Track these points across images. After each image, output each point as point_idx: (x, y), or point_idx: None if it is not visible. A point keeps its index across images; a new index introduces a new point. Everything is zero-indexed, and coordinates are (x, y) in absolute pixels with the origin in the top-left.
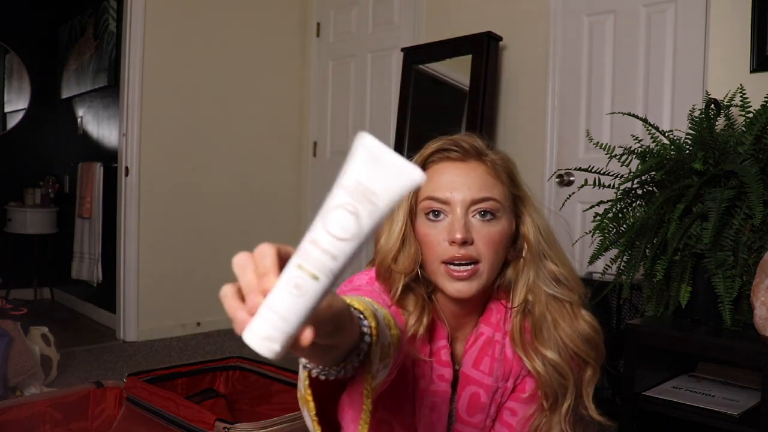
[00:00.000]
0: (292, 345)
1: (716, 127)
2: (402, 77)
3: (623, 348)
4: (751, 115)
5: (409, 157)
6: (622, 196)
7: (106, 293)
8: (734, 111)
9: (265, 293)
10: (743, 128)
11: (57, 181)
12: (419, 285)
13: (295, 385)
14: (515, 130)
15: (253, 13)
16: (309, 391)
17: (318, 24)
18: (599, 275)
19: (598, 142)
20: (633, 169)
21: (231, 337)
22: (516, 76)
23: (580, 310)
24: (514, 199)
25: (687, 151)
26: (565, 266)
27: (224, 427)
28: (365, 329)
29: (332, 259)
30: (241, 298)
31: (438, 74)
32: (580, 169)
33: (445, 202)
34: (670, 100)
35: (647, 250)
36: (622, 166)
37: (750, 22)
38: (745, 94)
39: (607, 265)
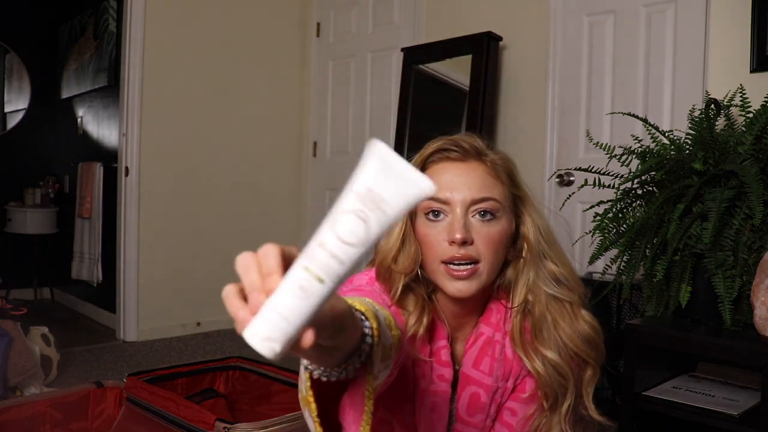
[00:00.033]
0: (293, 346)
1: (716, 127)
2: (402, 77)
3: (623, 348)
4: (751, 115)
5: (409, 157)
6: (622, 196)
7: (106, 293)
8: (734, 111)
9: (268, 293)
10: (743, 128)
11: (57, 181)
12: (419, 285)
13: (295, 386)
14: (515, 130)
15: (253, 13)
16: (311, 393)
17: (318, 24)
18: (599, 275)
19: (598, 142)
20: (633, 169)
21: (231, 337)
22: (516, 76)
23: (580, 310)
24: (514, 199)
25: (687, 151)
26: (565, 266)
27: (224, 427)
28: (367, 330)
29: (339, 263)
30: (243, 297)
31: (438, 74)
32: (580, 169)
33: (444, 202)
34: (670, 100)
35: (647, 250)
36: (622, 166)
37: (750, 22)
38: (745, 94)
39: (607, 265)
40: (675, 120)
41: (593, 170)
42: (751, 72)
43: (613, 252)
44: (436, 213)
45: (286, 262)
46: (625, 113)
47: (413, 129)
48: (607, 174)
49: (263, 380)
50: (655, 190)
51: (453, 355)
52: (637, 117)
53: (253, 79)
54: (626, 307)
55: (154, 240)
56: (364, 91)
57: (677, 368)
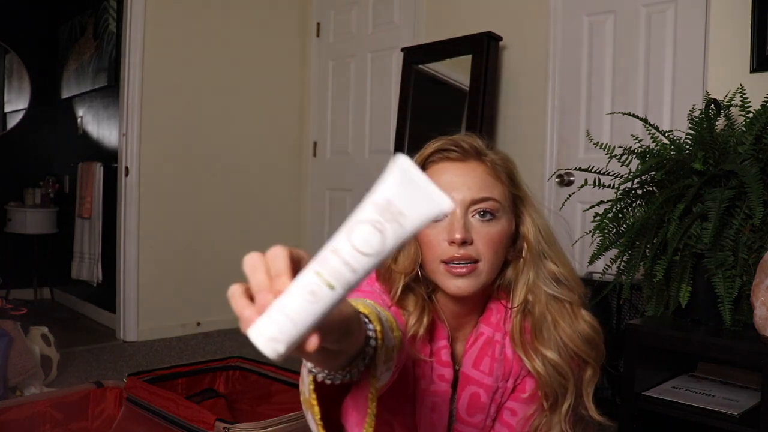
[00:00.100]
0: (298, 349)
1: (716, 127)
2: (402, 77)
3: (623, 348)
4: (751, 115)
5: (409, 157)
6: (622, 196)
7: (106, 293)
8: (734, 111)
9: (276, 294)
10: (743, 128)
11: (57, 181)
12: (419, 285)
13: (295, 386)
14: (515, 130)
15: (253, 13)
16: (314, 395)
17: (318, 24)
18: (599, 275)
19: (598, 142)
20: (633, 169)
21: (231, 337)
22: (516, 76)
23: (580, 310)
24: (514, 199)
25: (687, 151)
26: (565, 266)
27: (224, 427)
28: (370, 333)
29: (351, 271)
30: (249, 297)
31: (438, 74)
32: (580, 169)
33: None
34: (670, 100)
35: (647, 250)
36: (622, 166)
37: (750, 22)
38: (745, 94)
39: (607, 265)
40: (675, 120)
41: (593, 170)
42: (751, 72)
43: (613, 252)
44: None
45: (294, 265)
46: (625, 113)
47: (413, 129)
48: (607, 174)
49: (263, 380)
50: (655, 190)
51: (453, 355)
52: (637, 117)
53: (253, 79)
54: (626, 307)
55: (154, 240)
56: (364, 91)
57: (677, 368)
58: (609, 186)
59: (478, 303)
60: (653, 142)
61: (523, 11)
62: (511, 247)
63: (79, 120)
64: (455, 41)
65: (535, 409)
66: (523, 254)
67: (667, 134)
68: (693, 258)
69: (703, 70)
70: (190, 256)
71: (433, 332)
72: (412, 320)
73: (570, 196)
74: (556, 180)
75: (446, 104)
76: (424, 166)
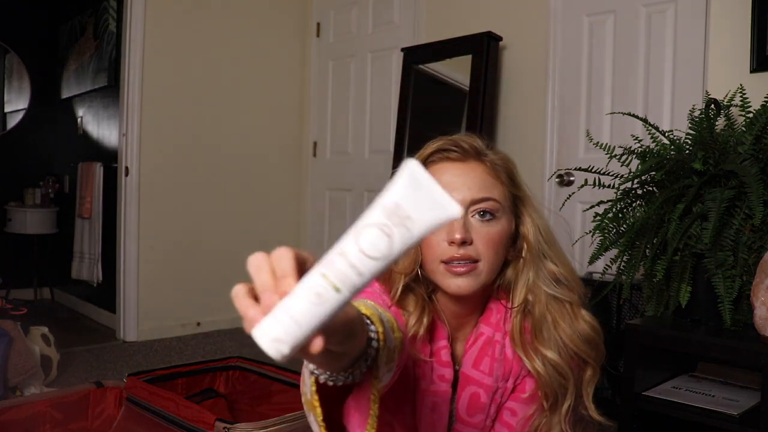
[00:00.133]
0: (301, 350)
1: (716, 127)
2: (402, 77)
3: (623, 348)
4: (751, 115)
5: (409, 157)
6: (622, 196)
7: (106, 293)
8: (734, 111)
9: (282, 295)
10: (743, 128)
11: (57, 181)
12: (419, 285)
13: (295, 386)
14: (515, 130)
15: (253, 13)
16: (316, 397)
17: (318, 24)
18: (599, 275)
19: (598, 142)
20: (633, 169)
21: (231, 337)
22: (516, 76)
23: (580, 310)
24: (514, 200)
25: (687, 151)
26: (565, 266)
27: (224, 427)
28: (372, 334)
29: (358, 274)
30: (253, 297)
31: (438, 74)
32: (580, 169)
33: None
34: (670, 100)
35: (647, 250)
36: (622, 166)
37: (750, 22)
38: (745, 94)
39: (607, 265)
40: (675, 120)
41: (593, 170)
42: (751, 72)
43: (613, 252)
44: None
45: (300, 266)
46: (625, 113)
47: (413, 129)
48: (607, 174)
49: (263, 380)
50: (655, 190)
51: (453, 355)
52: (637, 117)
53: (253, 79)
54: (626, 307)
55: (154, 240)
56: (364, 91)
57: (677, 368)
58: (609, 186)
59: (478, 303)
60: (653, 142)
61: (523, 11)
62: (511, 247)
63: (79, 120)
64: (455, 41)
65: (535, 409)
66: (523, 254)
67: (667, 134)
68: (693, 258)
69: (703, 70)
70: (190, 256)
71: (433, 332)
72: (412, 320)
73: (570, 196)
74: (556, 180)
75: (446, 104)
76: (423, 166)
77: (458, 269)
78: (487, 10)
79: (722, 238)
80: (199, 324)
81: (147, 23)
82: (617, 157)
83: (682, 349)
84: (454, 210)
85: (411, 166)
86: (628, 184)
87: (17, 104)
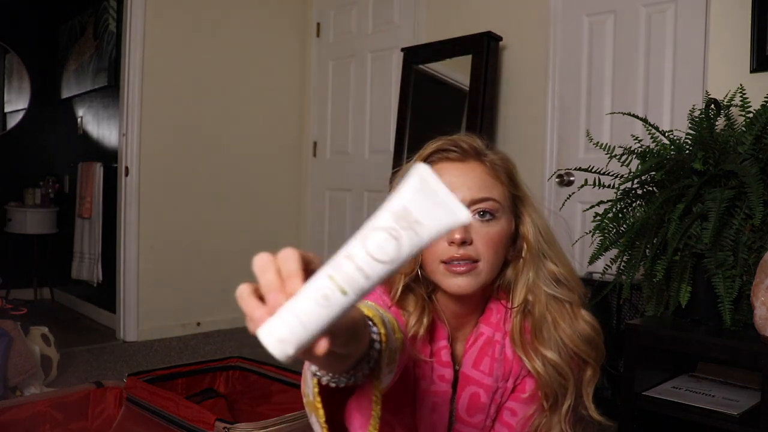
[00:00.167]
0: (306, 352)
1: (716, 127)
2: (402, 77)
3: (623, 348)
4: (751, 115)
5: (409, 157)
6: (622, 196)
7: (106, 293)
8: (734, 111)
9: (288, 296)
10: (743, 128)
11: (57, 181)
12: (419, 285)
13: (295, 386)
14: (515, 130)
15: (253, 13)
16: (319, 399)
17: (318, 24)
18: (599, 275)
19: (598, 142)
20: (633, 169)
21: (231, 337)
22: (516, 76)
23: (580, 310)
24: (514, 200)
25: (687, 151)
26: (565, 266)
27: (224, 427)
28: (375, 336)
29: (365, 277)
30: (258, 297)
31: (438, 74)
32: (580, 169)
33: None
34: (670, 100)
35: (647, 250)
36: (622, 166)
37: (750, 22)
38: (745, 94)
39: (607, 265)
40: (675, 120)
41: (593, 170)
42: (751, 72)
43: (613, 252)
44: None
45: (305, 267)
46: (625, 113)
47: (413, 129)
48: (607, 174)
49: (263, 380)
50: (655, 190)
51: (453, 355)
52: (637, 117)
53: (253, 79)
54: (626, 307)
55: (154, 240)
56: (364, 91)
57: (677, 368)
58: (609, 186)
59: (478, 303)
60: (653, 142)
61: (523, 11)
62: (510, 247)
63: (79, 120)
64: (455, 41)
65: (535, 410)
66: (523, 254)
67: (667, 134)
68: (693, 258)
69: (703, 70)
70: (190, 256)
71: (434, 332)
72: (412, 320)
73: (570, 196)
74: (556, 180)
75: (446, 104)
76: None
77: (458, 268)
78: (487, 10)
79: (722, 238)
80: (199, 324)
81: (147, 23)
82: (617, 157)
83: (682, 349)
84: (464, 215)
85: (421, 170)
86: (628, 184)
87: (17, 104)
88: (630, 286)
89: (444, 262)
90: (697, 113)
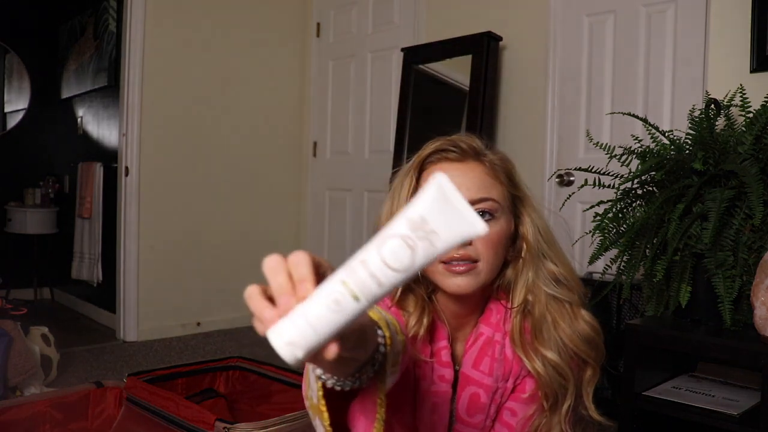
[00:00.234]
0: (315, 356)
1: (716, 127)
2: (402, 77)
3: (623, 348)
4: (751, 115)
5: (409, 158)
6: (622, 196)
7: (106, 293)
8: (734, 111)
9: (300, 299)
10: (743, 128)
11: (57, 181)
12: (419, 285)
13: (295, 386)
14: (515, 130)
15: (253, 13)
16: (323, 402)
17: (318, 24)
18: (599, 275)
19: (598, 142)
20: (633, 169)
21: (231, 337)
22: (516, 76)
23: (580, 310)
24: (513, 200)
25: (687, 151)
26: (565, 266)
27: (224, 427)
28: (380, 340)
29: (378, 285)
30: (267, 298)
31: (438, 74)
32: (580, 169)
33: None
34: (670, 100)
35: (647, 250)
36: (622, 166)
37: (750, 22)
38: (745, 94)
39: (607, 265)
40: (675, 120)
41: (593, 170)
42: (751, 72)
43: (613, 252)
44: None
45: (316, 270)
46: (625, 113)
47: (413, 129)
48: (607, 174)
49: (263, 380)
50: (655, 190)
51: (453, 355)
52: (637, 117)
53: (253, 79)
54: (626, 307)
55: (154, 240)
56: (364, 91)
57: (677, 368)
58: (609, 186)
59: (477, 303)
60: (653, 142)
61: (523, 11)
62: (510, 248)
63: (79, 120)
64: (455, 41)
65: (535, 410)
66: (523, 254)
67: (667, 134)
68: (693, 258)
69: (703, 70)
70: (190, 256)
71: (434, 333)
72: (412, 321)
73: (570, 196)
74: (556, 180)
75: (446, 104)
76: (422, 166)
77: (457, 268)
78: (487, 10)
79: (722, 238)
80: (199, 324)
81: (147, 23)
82: (617, 157)
83: (682, 349)
84: (481, 227)
85: (439, 180)
86: (628, 184)
87: (17, 104)
88: (630, 286)
89: (443, 262)
90: (697, 113)
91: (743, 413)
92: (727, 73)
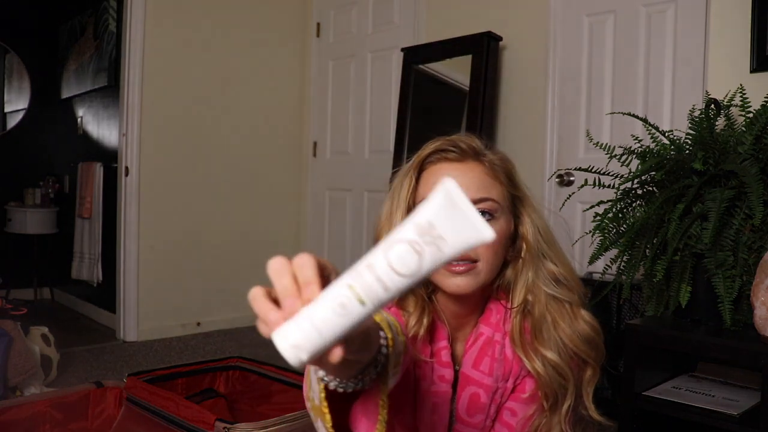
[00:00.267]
0: (319, 359)
1: (716, 127)
2: (402, 77)
3: (623, 348)
4: (751, 115)
5: (409, 157)
6: (622, 196)
7: (106, 293)
8: (734, 111)
9: (305, 302)
10: (743, 128)
11: (57, 181)
12: (419, 285)
13: (295, 386)
14: (515, 130)
15: (253, 13)
16: (326, 404)
17: (318, 24)
18: (599, 275)
19: (598, 142)
20: (633, 169)
21: (231, 337)
22: (516, 76)
23: (580, 310)
24: (513, 200)
25: (687, 151)
26: (565, 266)
27: (224, 427)
28: (383, 341)
29: (384, 289)
30: (271, 300)
31: (438, 74)
32: (580, 169)
33: None
34: (670, 100)
35: (647, 250)
36: (622, 166)
37: (750, 22)
38: (745, 94)
39: (607, 265)
40: (675, 120)
41: (593, 170)
42: (751, 72)
43: (613, 252)
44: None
45: (320, 273)
46: (625, 113)
47: (413, 129)
48: (607, 174)
49: (263, 380)
50: (655, 190)
51: (453, 355)
52: (637, 117)
53: (253, 79)
54: (626, 307)
55: (154, 240)
56: (364, 91)
57: (677, 368)
58: (609, 186)
59: (477, 303)
60: (653, 142)
61: (523, 11)
62: (510, 248)
63: (79, 120)
64: (455, 41)
65: (535, 410)
66: (522, 254)
67: (667, 134)
68: (693, 258)
69: (703, 70)
70: (190, 256)
71: (434, 333)
72: (412, 321)
73: (570, 196)
74: (556, 180)
75: (446, 104)
76: (421, 166)
77: (457, 268)
78: (487, 10)
79: (722, 238)
80: (199, 324)
81: (147, 23)
82: (617, 157)
83: (682, 349)
84: (488, 234)
85: (448, 186)
86: (628, 184)
87: (17, 104)
88: (630, 286)
89: None
90: (697, 113)
91: (743, 413)
92: (727, 73)
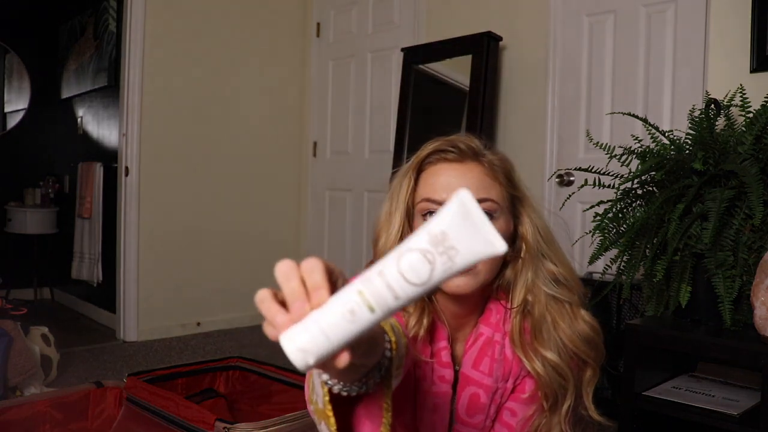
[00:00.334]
0: (325, 363)
1: (716, 127)
2: (402, 77)
3: (623, 348)
4: (751, 115)
5: (409, 157)
6: (622, 196)
7: (106, 293)
8: (734, 111)
9: (314, 307)
10: (743, 128)
11: (57, 181)
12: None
13: (295, 386)
14: (515, 130)
15: (253, 13)
16: (330, 407)
17: (318, 24)
18: (599, 275)
19: (598, 142)
20: (633, 169)
21: (231, 337)
22: (516, 76)
23: (580, 311)
24: (513, 200)
25: (687, 151)
26: (565, 266)
27: (224, 427)
28: (387, 345)
29: (394, 297)
30: (279, 302)
31: (438, 74)
32: (580, 169)
33: (441, 204)
34: (670, 100)
35: (647, 250)
36: (622, 166)
37: (750, 22)
38: (745, 94)
39: (607, 265)
40: (675, 120)
41: (593, 170)
42: (751, 72)
43: (613, 252)
44: (433, 214)
45: (329, 277)
46: (625, 113)
47: (413, 129)
48: (607, 174)
49: (263, 380)
50: (655, 190)
51: (453, 355)
52: (637, 117)
53: (253, 79)
54: (626, 307)
55: (154, 240)
56: (364, 91)
57: (677, 368)
58: (609, 186)
59: (477, 303)
60: (653, 142)
61: (523, 11)
62: (509, 248)
63: (79, 120)
64: (455, 41)
65: (534, 410)
66: (522, 254)
67: (667, 134)
68: (693, 258)
69: (703, 70)
70: (190, 256)
71: (433, 333)
72: (412, 321)
73: (570, 196)
74: (556, 180)
75: (446, 104)
76: (421, 167)
77: None
78: (487, 10)
79: (722, 238)
80: (199, 324)
81: (147, 23)
82: (617, 157)
83: (682, 349)
84: (501, 246)
85: (462, 196)
86: (628, 184)
87: (17, 104)
88: (630, 286)
89: None
90: (697, 113)
91: (743, 413)
92: (727, 73)
